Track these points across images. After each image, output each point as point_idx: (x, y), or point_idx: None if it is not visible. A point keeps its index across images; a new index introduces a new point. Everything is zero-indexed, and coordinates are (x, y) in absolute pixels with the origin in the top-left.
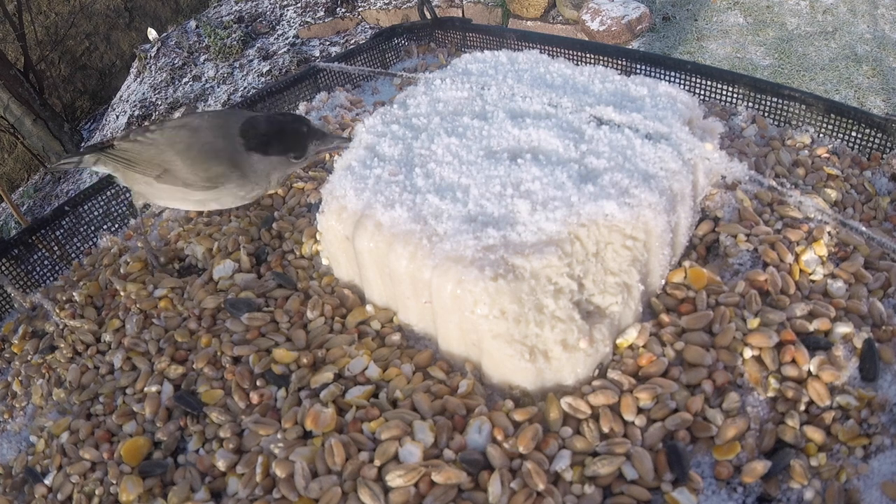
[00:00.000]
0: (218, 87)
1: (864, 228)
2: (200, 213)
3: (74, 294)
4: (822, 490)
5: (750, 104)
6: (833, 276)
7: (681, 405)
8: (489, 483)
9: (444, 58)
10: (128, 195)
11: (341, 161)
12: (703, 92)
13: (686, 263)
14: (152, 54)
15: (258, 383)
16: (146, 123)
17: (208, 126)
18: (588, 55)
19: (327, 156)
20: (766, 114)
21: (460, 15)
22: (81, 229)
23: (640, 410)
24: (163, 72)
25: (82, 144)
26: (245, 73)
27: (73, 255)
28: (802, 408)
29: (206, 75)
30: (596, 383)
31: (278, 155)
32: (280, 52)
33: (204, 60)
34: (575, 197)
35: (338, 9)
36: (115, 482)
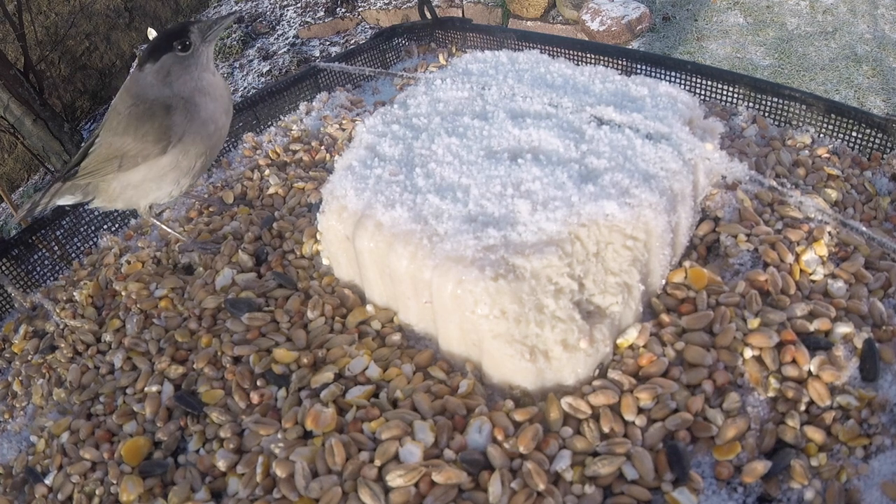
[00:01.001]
0: None
1: (864, 228)
2: (200, 213)
3: (75, 294)
4: (823, 490)
5: (750, 104)
6: (833, 276)
7: (681, 405)
8: (489, 483)
9: (445, 58)
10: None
11: (342, 161)
12: (703, 92)
13: (686, 263)
14: None
15: (258, 383)
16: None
17: (123, 96)
18: (588, 55)
19: (327, 156)
20: (766, 114)
21: (460, 15)
22: (81, 229)
23: (640, 410)
24: None
25: (82, 144)
26: (245, 73)
27: (73, 255)
28: (803, 408)
29: None
30: (596, 383)
31: (165, 52)
32: (280, 52)
33: None
34: (575, 197)
35: (338, 9)
36: (115, 482)
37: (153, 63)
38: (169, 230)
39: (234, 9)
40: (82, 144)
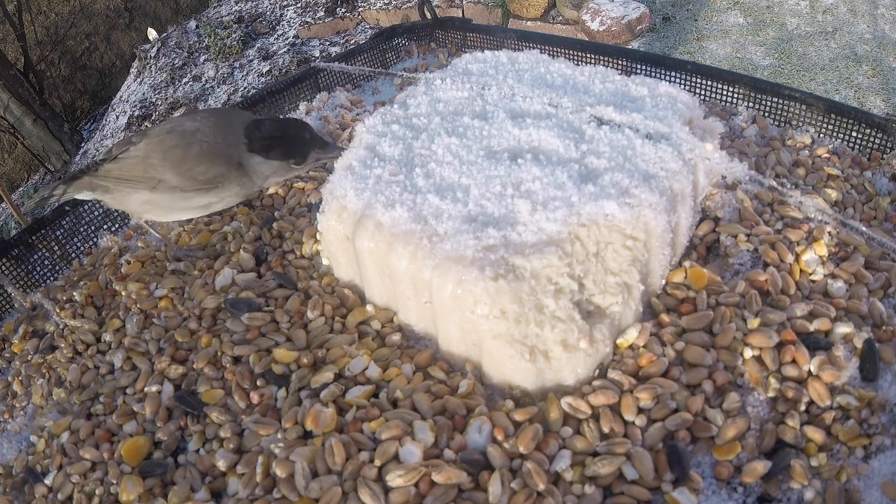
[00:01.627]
0: (218, 87)
1: (864, 228)
2: None
3: (75, 294)
4: (823, 490)
5: (750, 104)
6: (833, 276)
7: (681, 405)
8: (489, 483)
9: (445, 58)
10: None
11: (342, 161)
12: (703, 92)
13: (686, 263)
14: (152, 54)
15: (258, 383)
16: (129, 135)
17: (204, 128)
18: (588, 55)
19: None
20: (766, 114)
21: (460, 15)
22: (81, 229)
23: (640, 410)
24: (163, 72)
25: (82, 144)
26: (245, 73)
27: (73, 255)
28: (803, 408)
29: (206, 75)
30: (596, 383)
31: (280, 160)
32: (280, 52)
33: (204, 60)
34: (575, 197)
35: (338, 9)
36: (115, 482)
37: (263, 157)
38: (157, 235)
39: (234, 9)
40: (83, 144)
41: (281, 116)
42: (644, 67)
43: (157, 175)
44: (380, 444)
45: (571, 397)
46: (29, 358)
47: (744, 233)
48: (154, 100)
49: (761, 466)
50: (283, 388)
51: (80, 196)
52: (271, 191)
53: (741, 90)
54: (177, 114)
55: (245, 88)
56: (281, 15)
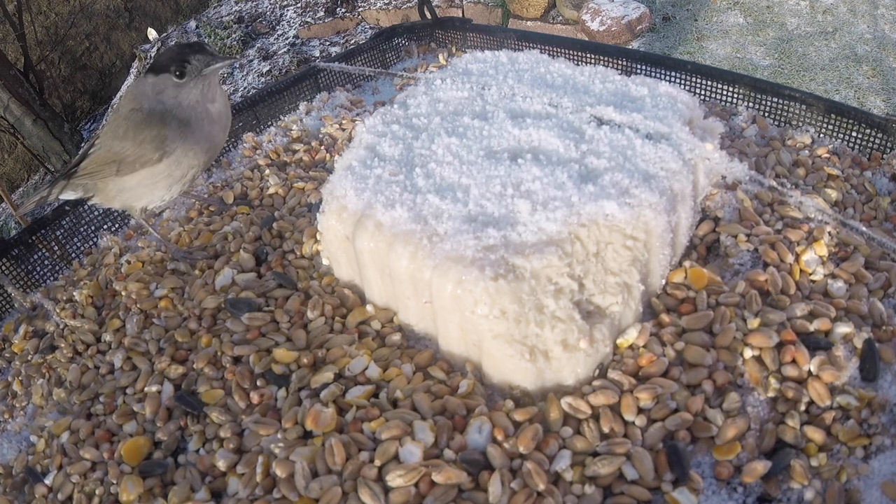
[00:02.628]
0: None
1: (864, 228)
2: (200, 213)
3: (75, 294)
4: (823, 490)
5: (750, 104)
6: (833, 276)
7: (681, 405)
8: (489, 483)
9: (445, 58)
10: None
11: (341, 161)
12: (703, 92)
13: (686, 263)
14: (152, 54)
15: (258, 383)
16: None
17: (126, 99)
18: (588, 55)
19: (327, 156)
20: (766, 114)
21: (460, 15)
22: (81, 229)
23: (640, 410)
24: None
25: (82, 144)
26: (245, 73)
27: (73, 255)
28: (803, 408)
29: None
30: (596, 383)
31: (164, 72)
32: (280, 52)
33: None
34: (575, 197)
35: (338, 9)
36: (115, 482)
37: (154, 76)
38: (157, 235)
39: (234, 9)
40: (82, 144)
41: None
42: (644, 67)
43: (116, 157)
44: (380, 444)
45: (571, 397)
46: (29, 358)
47: (744, 233)
48: None
49: (761, 466)
50: (283, 388)
51: (66, 196)
52: (271, 191)
53: (741, 90)
54: None
55: (245, 88)
56: (281, 15)
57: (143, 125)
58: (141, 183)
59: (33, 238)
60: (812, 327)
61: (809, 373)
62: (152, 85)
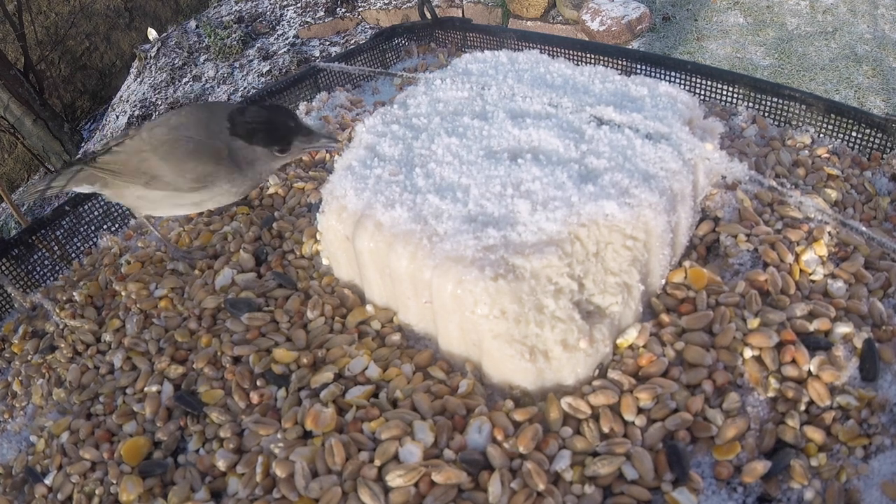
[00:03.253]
0: (218, 87)
1: (864, 228)
2: (200, 213)
3: (74, 294)
4: (823, 490)
5: (750, 104)
6: (833, 276)
7: (681, 405)
8: (489, 483)
9: (445, 58)
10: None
11: (341, 161)
12: (703, 92)
13: (686, 263)
14: (152, 54)
15: (258, 383)
16: (126, 129)
17: (189, 122)
18: (588, 55)
19: (327, 156)
20: (766, 114)
21: (460, 15)
22: (81, 229)
23: (640, 410)
24: (163, 72)
25: (82, 144)
26: (245, 73)
27: (73, 255)
28: (802, 408)
29: (206, 75)
30: (596, 383)
31: (262, 146)
32: (280, 52)
33: (204, 60)
34: (575, 197)
35: (338, 9)
36: (115, 482)
37: (245, 142)
38: (158, 235)
39: (234, 9)
40: (82, 144)
41: (267, 104)
42: (644, 67)
43: (149, 171)
44: (380, 444)
45: (571, 397)
46: (29, 358)
47: (744, 233)
48: (154, 100)
49: (761, 466)
50: (283, 388)
51: (79, 189)
52: (271, 191)
53: (741, 90)
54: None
55: (245, 88)
56: (281, 15)
57: (195, 156)
58: (165, 202)
59: (33, 238)
60: (812, 327)
61: (809, 373)
62: (240, 148)
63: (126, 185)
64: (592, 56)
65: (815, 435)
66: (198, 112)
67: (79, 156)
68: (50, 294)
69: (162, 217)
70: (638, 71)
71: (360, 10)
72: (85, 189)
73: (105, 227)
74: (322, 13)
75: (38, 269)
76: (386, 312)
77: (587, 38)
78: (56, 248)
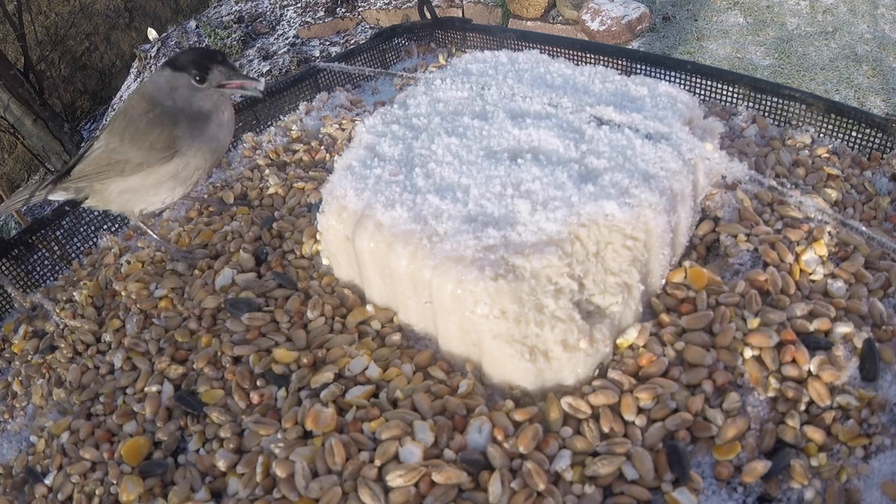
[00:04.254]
0: None
1: (864, 228)
2: (200, 213)
3: (74, 294)
4: (823, 490)
5: (750, 104)
6: (833, 275)
7: (681, 405)
8: (489, 483)
9: (444, 58)
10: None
11: (341, 161)
12: (703, 92)
13: (686, 263)
14: (152, 54)
15: (258, 383)
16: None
17: (136, 97)
18: (588, 55)
19: (327, 156)
20: (766, 114)
21: (460, 15)
22: (81, 229)
23: (640, 410)
24: None
25: (82, 144)
26: (245, 73)
27: (73, 255)
28: (803, 408)
29: None
30: (596, 383)
31: (184, 71)
32: (280, 52)
33: None
34: (575, 197)
35: (338, 9)
36: (115, 482)
37: (171, 71)
38: (156, 237)
39: (234, 9)
40: (83, 144)
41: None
42: (644, 67)
43: (121, 157)
44: (380, 444)
45: (571, 397)
46: (29, 358)
47: (744, 233)
48: None
49: (761, 466)
50: (283, 388)
51: (55, 197)
52: (271, 191)
53: (741, 90)
54: None
55: None
56: (281, 15)
57: (155, 124)
58: (146, 184)
59: (33, 238)
60: (812, 327)
61: (809, 373)
62: (167, 79)
63: (104, 185)
64: (592, 56)
65: (816, 435)
66: (141, 90)
67: (56, 172)
68: (50, 294)
69: (162, 216)
70: (638, 71)
71: (360, 10)
72: (62, 197)
73: (105, 227)
74: (322, 13)
75: (38, 269)
76: (386, 312)
77: (587, 38)
78: (56, 248)
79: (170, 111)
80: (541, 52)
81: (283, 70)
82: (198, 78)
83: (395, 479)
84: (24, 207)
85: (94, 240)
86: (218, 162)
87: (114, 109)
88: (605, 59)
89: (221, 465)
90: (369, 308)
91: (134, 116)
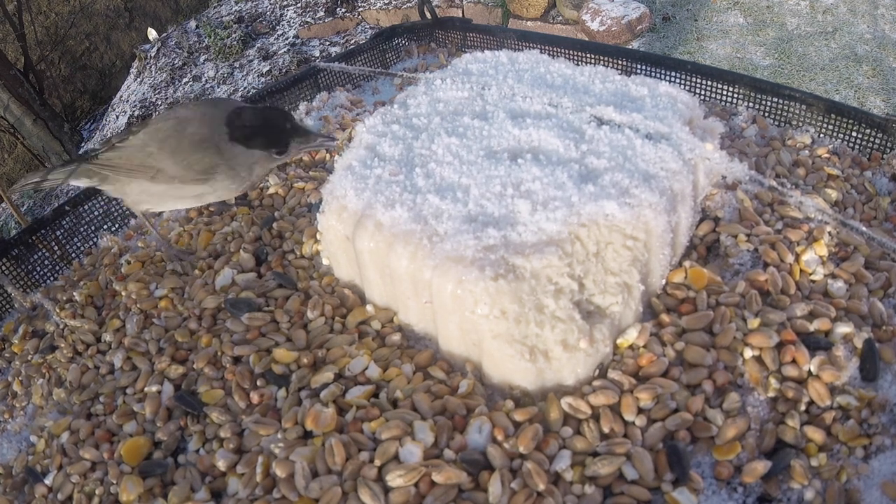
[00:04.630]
0: (218, 87)
1: (864, 228)
2: (200, 213)
3: (75, 294)
4: (823, 490)
5: (750, 104)
6: (833, 276)
7: (681, 405)
8: (489, 483)
9: (445, 58)
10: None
11: (341, 161)
12: (703, 92)
13: (686, 263)
14: (152, 54)
15: (258, 383)
16: (129, 126)
17: (194, 117)
18: (588, 55)
19: (327, 156)
20: (766, 114)
21: (460, 15)
22: (81, 229)
23: (640, 410)
24: (163, 72)
25: (82, 144)
26: (245, 73)
27: (73, 255)
28: (803, 408)
29: (206, 75)
30: (596, 383)
31: (260, 149)
32: (280, 52)
33: (204, 60)
34: (575, 197)
35: (338, 9)
36: (115, 482)
37: (244, 147)
38: (157, 234)
39: (234, 9)
40: (83, 144)
41: (262, 106)
42: (644, 67)
43: (155, 164)
44: (380, 444)
45: (571, 397)
46: (29, 358)
47: (744, 233)
48: (154, 100)
49: (761, 466)
50: (283, 388)
51: (77, 183)
52: (271, 191)
53: (741, 90)
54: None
55: (245, 88)
56: (281, 15)
57: (199, 148)
58: (170, 194)
59: (33, 238)
60: (812, 327)
61: (809, 373)
62: (242, 154)
63: (129, 181)
64: (592, 56)
65: (816, 435)
66: (202, 107)
67: (80, 153)
68: (50, 294)
69: (162, 216)
70: (638, 71)
71: (360, 10)
72: (83, 183)
73: (105, 227)
74: (322, 13)
75: (38, 269)
76: (386, 312)
77: (587, 38)
78: (56, 248)
79: (220, 143)
80: (541, 52)
81: (283, 70)
82: (277, 153)
83: (395, 479)
84: (36, 192)
85: (94, 240)
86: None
87: (114, 109)
88: (605, 59)
89: (221, 465)
90: (369, 308)
91: (181, 130)
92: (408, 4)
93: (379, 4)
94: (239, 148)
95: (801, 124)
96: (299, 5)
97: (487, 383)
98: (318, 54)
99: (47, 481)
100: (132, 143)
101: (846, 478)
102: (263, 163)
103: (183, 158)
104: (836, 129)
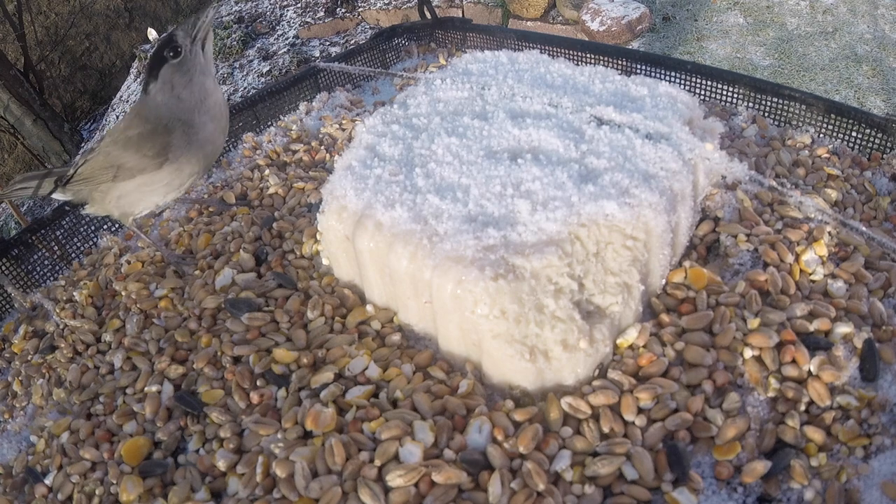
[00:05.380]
0: None
1: (864, 228)
2: (200, 213)
3: (75, 294)
4: (823, 490)
5: (750, 104)
6: (833, 276)
7: (681, 405)
8: (489, 483)
9: (445, 58)
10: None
11: (341, 161)
12: (703, 92)
13: (686, 263)
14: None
15: (258, 383)
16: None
17: (131, 118)
18: (588, 55)
19: (327, 156)
20: (766, 114)
21: (460, 15)
22: (81, 229)
23: (640, 410)
24: None
25: (82, 144)
26: (245, 73)
27: (73, 255)
28: (803, 408)
29: None
30: (596, 383)
31: (162, 65)
32: (280, 52)
33: None
34: (575, 197)
35: (338, 9)
36: (115, 482)
37: (155, 81)
38: (148, 240)
39: (234, 9)
40: (83, 144)
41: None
42: (644, 67)
43: (115, 163)
44: (380, 444)
45: (571, 397)
46: (29, 358)
47: (744, 233)
48: None
49: (761, 466)
50: (283, 388)
51: (58, 196)
52: (271, 191)
53: (741, 90)
54: None
55: (245, 88)
56: (281, 15)
57: (148, 137)
58: (138, 188)
59: (33, 238)
60: (812, 327)
61: (809, 373)
62: (160, 90)
63: (103, 192)
64: (592, 56)
65: (816, 435)
66: (135, 108)
67: (57, 171)
68: (50, 294)
69: (161, 216)
70: (638, 71)
71: (360, 10)
72: (61, 197)
73: (105, 227)
74: (322, 13)
75: (38, 269)
76: (386, 312)
77: (587, 38)
78: (56, 248)
79: (164, 121)
80: (541, 53)
81: (283, 70)
82: (172, 53)
83: (395, 479)
84: (29, 202)
85: (94, 240)
86: (215, 160)
87: (114, 109)
88: (605, 59)
89: (221, 465)
90: (369, 308)
91: (131, 133)
92: (408, 4)
93: (379, 4)
94: (155, 85)
95: (800, 124)
96: (299, 5)
97: (487, 383)
98: (318, 54)
99: (47, 481)
100: (92, 156)
101: (846, 478)
102: (175, 77)
103: (137, 148)
104: (836, 129)
